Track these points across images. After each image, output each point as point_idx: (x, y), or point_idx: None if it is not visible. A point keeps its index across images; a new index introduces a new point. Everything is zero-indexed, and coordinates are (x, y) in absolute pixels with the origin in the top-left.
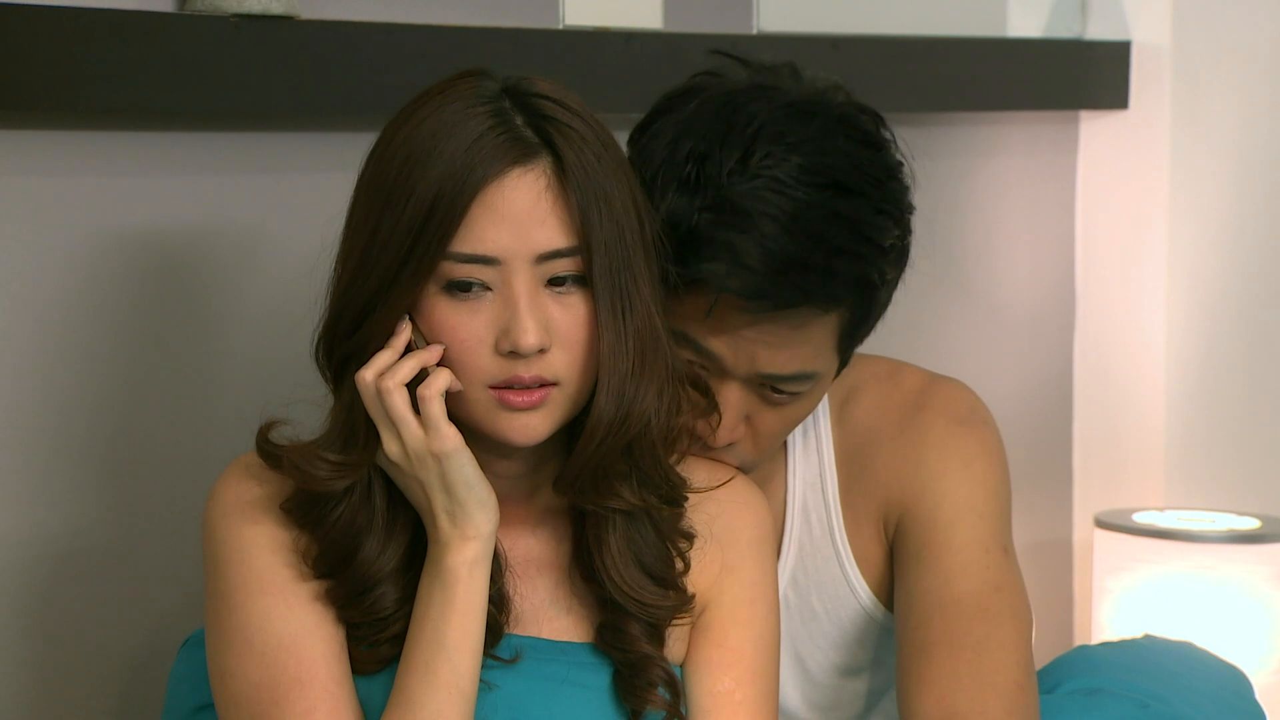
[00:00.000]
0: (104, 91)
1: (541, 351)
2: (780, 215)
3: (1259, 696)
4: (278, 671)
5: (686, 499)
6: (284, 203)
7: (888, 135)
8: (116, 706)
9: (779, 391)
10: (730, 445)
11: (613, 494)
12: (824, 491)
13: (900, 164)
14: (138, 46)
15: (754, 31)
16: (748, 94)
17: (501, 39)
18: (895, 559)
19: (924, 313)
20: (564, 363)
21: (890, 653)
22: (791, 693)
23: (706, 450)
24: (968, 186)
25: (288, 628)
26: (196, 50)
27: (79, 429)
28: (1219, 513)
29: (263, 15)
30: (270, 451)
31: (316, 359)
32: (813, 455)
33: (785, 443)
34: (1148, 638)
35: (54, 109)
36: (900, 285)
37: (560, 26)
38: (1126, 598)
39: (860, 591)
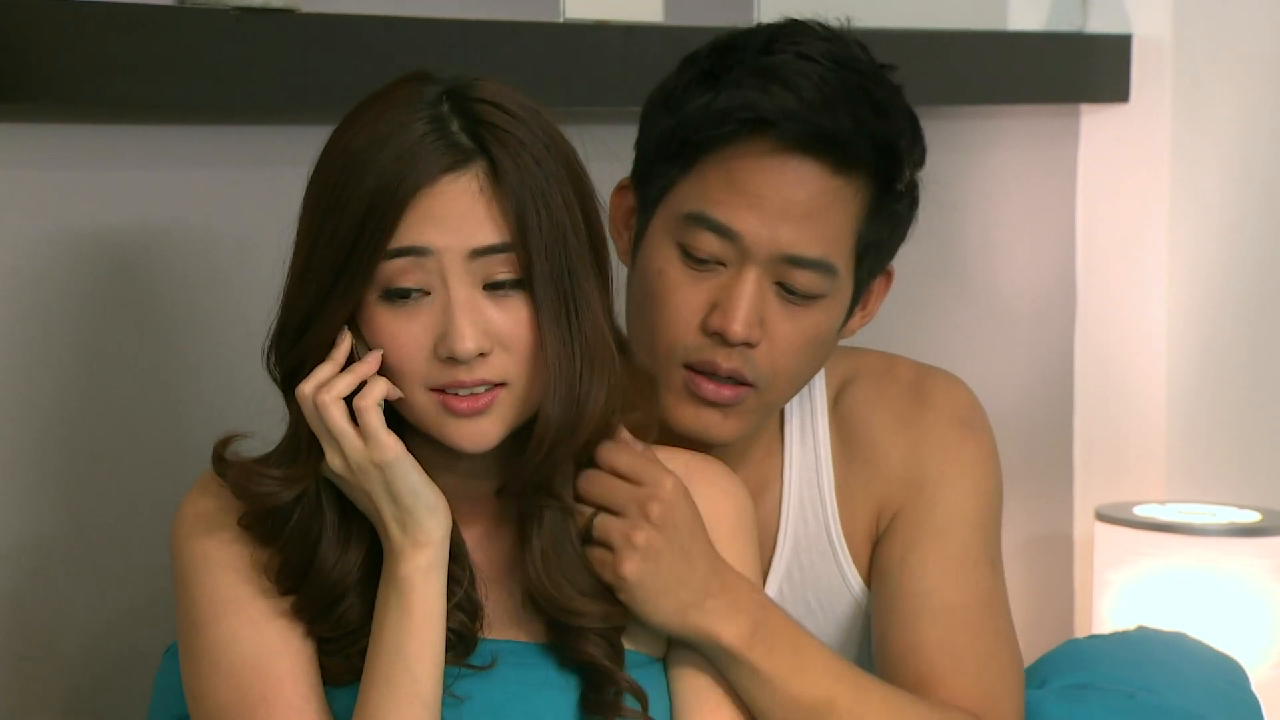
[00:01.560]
0: (104, 85)
1: (482, 355)
2: (811, 76)
3: (1259, 690)
4: (244, 691)
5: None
6: (284, 197)
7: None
8: (94, 707)
9: (795, 290)
10: (746, 351)
11: (555, 494)
12: (820, 486)
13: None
14: (138, 40)
15: (754, 24)
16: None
17: (502, 32)
18: (879, 553)
19: (924, 306)
20: (510, 365)
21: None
22: None
23: (698, 413)
24: (968, 180)
25: (253, 647)
26: (197, 43)
27: (84, 426)
28: (1220, 506)
29: (263, 8)
30: (222, 470)
31: (268, 368)
32: (809, 451)
33: (782, 437)
34: (1140, 629)
35: (54, 103)
36: (899, 278)
37: (561, 20)
38: (1127, 591)
39: (854, 584)
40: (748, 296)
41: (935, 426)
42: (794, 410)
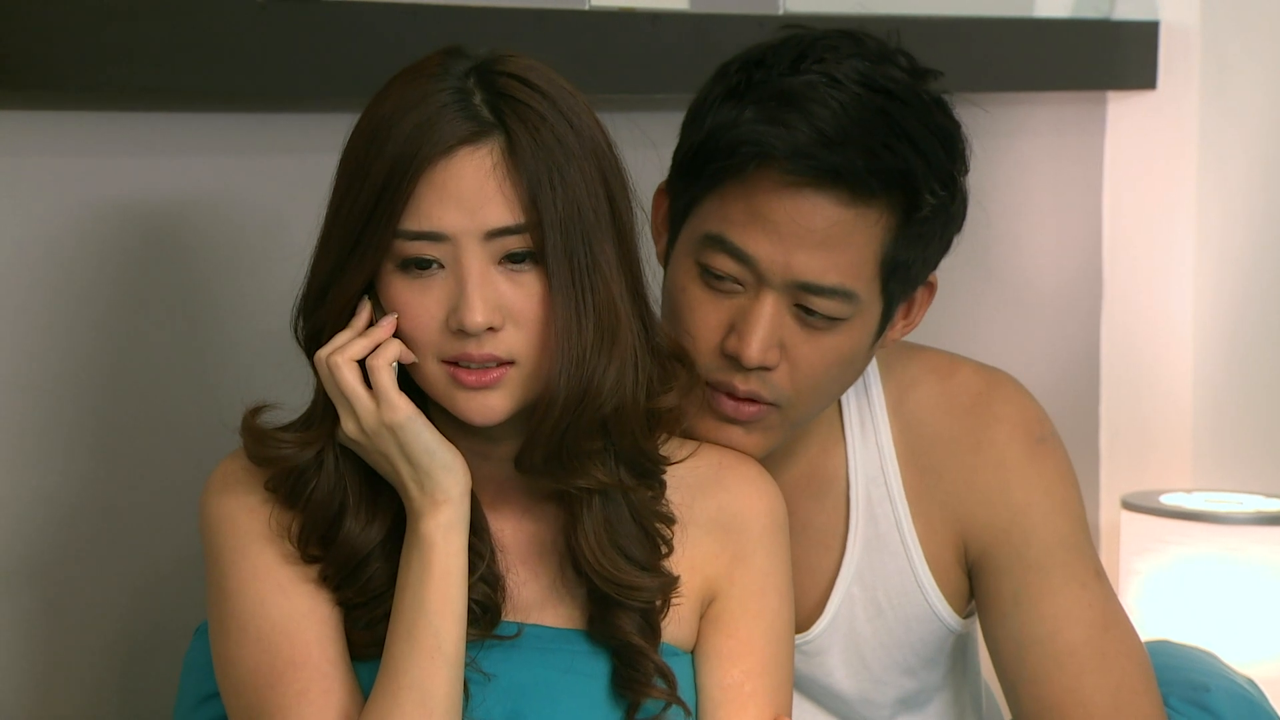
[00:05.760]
0: (129, 72)
1: (492, 330)
2: (830, 102)
3: None
4: (273, 655)
5: (664, 471)
6: (309, 183)
7: (948, 96)
8: (121, 684)
9: (814, 313)
10: (764, 374)
11: (582, 473)
12: (887, 486)
13: (958, 124)
14: (163, 27)
15: (780, 12)
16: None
17: (526, 20)
18: (984, 595)
19: (949, 293)
20: (519, 341)
21: (946, 654)
22: (849, 684)
23: (719, 427)
24: (994, 167)
25: (282, 612)
26: (223, 31)
27: (114, 408)
28: (1247, 494)
29: None
30: (244, 437)
31: (296, 336)
32: (871, 448)
33: (843, 434)
34: (1165, 643)
35: (78, 90)
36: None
37: (586, 8)
38: (1153, 580)
39: (929, 590)
40: (764, 321)
41: (1010, 449)
42: (852, 407)
